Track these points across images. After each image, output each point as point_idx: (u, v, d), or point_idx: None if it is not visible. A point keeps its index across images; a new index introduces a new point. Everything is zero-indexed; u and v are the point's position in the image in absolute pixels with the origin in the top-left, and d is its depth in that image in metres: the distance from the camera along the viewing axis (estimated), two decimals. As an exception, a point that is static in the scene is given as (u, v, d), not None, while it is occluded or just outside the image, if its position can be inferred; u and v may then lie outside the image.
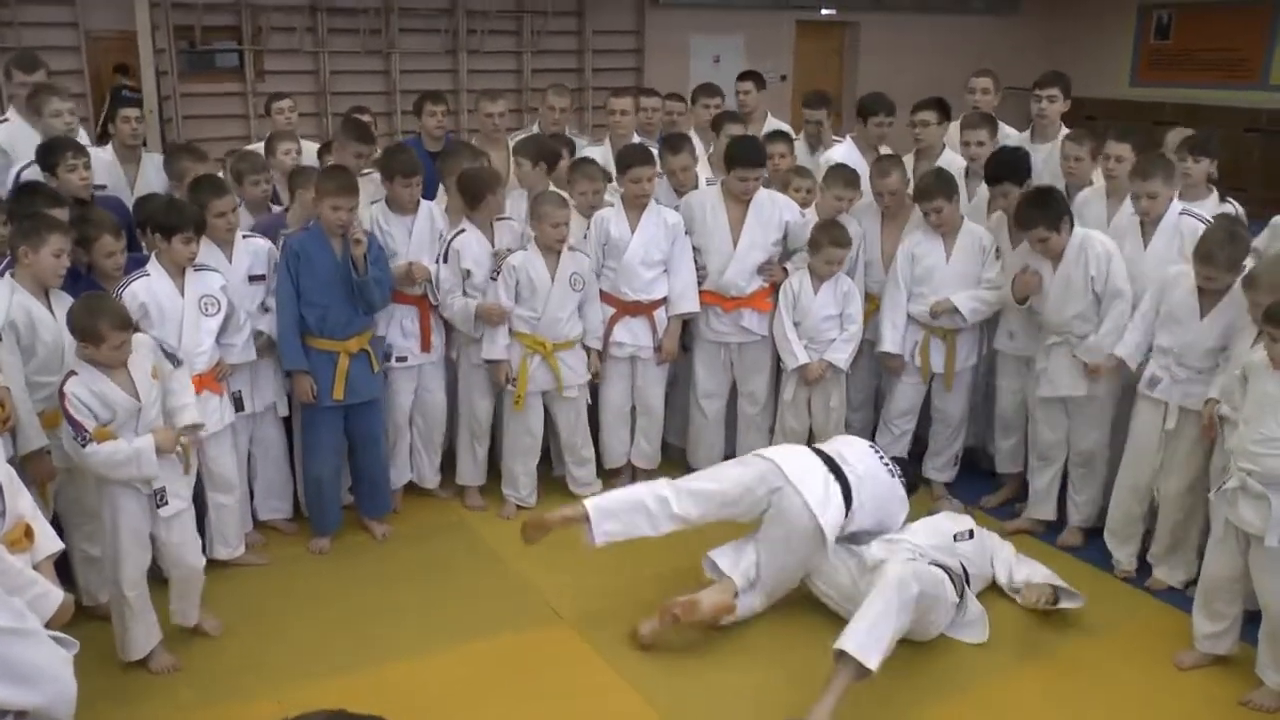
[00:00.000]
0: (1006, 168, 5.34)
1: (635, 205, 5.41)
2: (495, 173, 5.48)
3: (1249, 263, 4.41)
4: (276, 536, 5.18)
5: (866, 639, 3.73)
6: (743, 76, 7.13)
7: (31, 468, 3.97)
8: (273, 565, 4.96)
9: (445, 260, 5.25)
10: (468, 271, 5.23)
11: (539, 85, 10.35)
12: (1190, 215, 4.83)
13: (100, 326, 3.76)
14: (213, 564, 4.67)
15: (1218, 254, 4.33)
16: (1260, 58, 12.25)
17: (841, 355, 5.37)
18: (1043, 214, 4.84)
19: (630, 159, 5.44)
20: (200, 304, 4.49)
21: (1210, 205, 5.10)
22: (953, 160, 5.92)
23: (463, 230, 5.29)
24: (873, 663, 3.70)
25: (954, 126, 6.14)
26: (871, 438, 5.95)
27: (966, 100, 6.37)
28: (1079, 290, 4.88)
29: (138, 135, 5.45)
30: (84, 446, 3.76)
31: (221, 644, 4.32)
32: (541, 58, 11.08)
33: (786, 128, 6.86)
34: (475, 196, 5.24)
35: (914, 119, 6.12)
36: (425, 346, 5.33)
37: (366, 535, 5.24)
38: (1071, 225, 4.88)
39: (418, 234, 5.27)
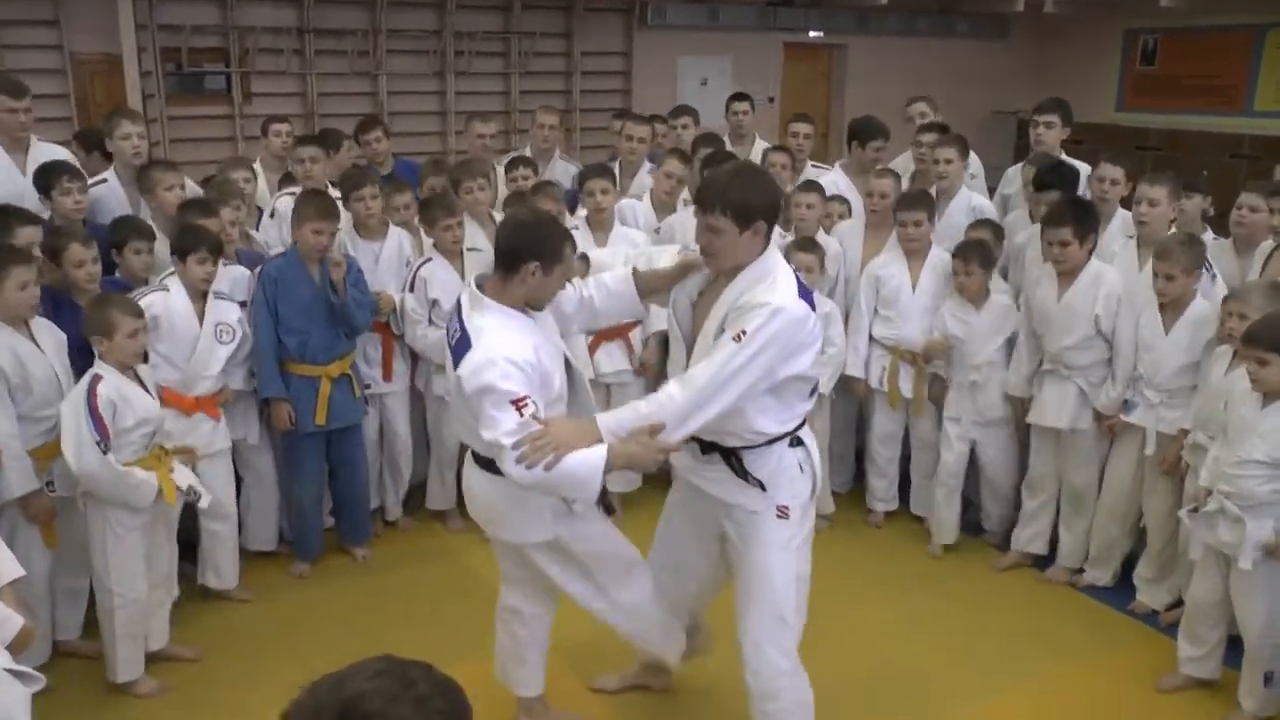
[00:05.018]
0: (1057, 175, 5.27)
1: (598, 225, 5.44)
2: (451, 201, 5.37)
3: None
4: (256, 562, 5.10)
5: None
6: (739, 97, 7.16)
7: (30, 507, 3.93)
8: (254, 590, 4.90)
9: (412, 289, 5.22)
10: (435, 301, 5.18)
11: (527, 106, 10.39)
12: None
13: (111, 314, 3.86)
14: (195, 588, 4.70)
15: (1176, 250, 4.38)
16: (1244, 84, 12.30)
17: (822, 379, 5.30)
18: (1076, 216, 4.67)
19: (586, 174, 5.64)
20: (216, 330, 4.53)
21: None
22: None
23: (429, 259, 5.27)
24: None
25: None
26: (855, 463, 5.95)
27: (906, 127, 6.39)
28: (1082, 321, 4.72)
29: (140, 155, 5.37)
30: (105, 453, 3.77)
31: (206, 669, 4.30)
32: (530, 79, 11.07)
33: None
34: (430, 221, 5.26)
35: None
36: (387, 375, 5.33)
37: (347, 559, 5.22)
38: (1093, 250, 4.75)
39: (385, 261, 5.28)
